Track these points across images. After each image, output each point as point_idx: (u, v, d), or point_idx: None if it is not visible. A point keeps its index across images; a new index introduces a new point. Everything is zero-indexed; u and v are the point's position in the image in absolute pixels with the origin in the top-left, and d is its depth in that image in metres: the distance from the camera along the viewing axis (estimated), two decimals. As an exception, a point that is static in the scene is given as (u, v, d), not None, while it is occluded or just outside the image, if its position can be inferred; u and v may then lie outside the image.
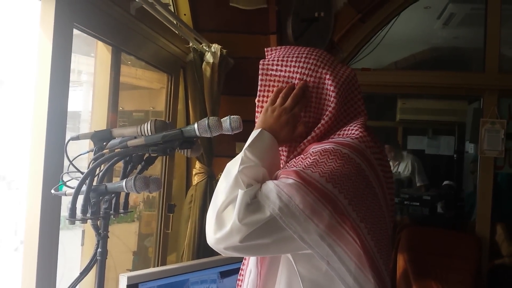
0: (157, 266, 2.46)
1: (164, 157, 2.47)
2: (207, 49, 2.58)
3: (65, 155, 1.26)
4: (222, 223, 0.98)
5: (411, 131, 5.79)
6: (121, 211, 1.24)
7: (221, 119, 1.15)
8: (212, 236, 1.00)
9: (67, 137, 1.50)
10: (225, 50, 2.61)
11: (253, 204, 0.98)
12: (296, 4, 2.86)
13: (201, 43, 2.55)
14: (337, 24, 3.14)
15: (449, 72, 3.48)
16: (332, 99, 1.14)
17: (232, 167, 1.04)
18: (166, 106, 2.56)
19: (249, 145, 1.08)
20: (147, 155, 1.23)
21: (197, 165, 2.63)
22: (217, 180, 2.49)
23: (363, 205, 1.02)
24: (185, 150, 1.25)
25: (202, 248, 2.53)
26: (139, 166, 1.24)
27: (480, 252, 3.15)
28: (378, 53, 3.42)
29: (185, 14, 2.72)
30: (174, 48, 2.46)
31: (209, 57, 2.58)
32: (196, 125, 1.14)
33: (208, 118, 1.14)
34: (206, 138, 1.14)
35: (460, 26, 4.52)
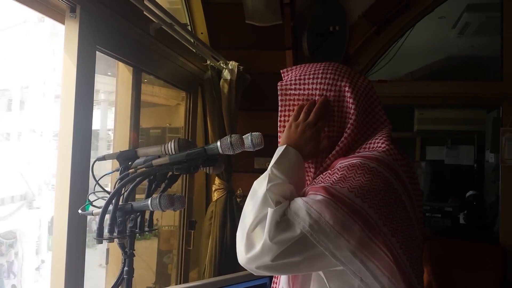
0: (179, 283, 2.47)
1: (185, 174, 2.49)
2: (224, 66, 2.61)
3: (90, 174, 1.28)
4: (252, 242, 0.98)
5: (430, 142, 5.74)
6: (146, 229, 1.25)
7: (243, 136, 1.15)
8: (243, 256, 0.99)
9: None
10: (242, 67, 2.63)
11: (282, 222, 0.97)
12: (311, 19, 2.89)
13: (218, 61, 2.59)
14: (352, 37, 3.14)
15: (466, 82, 3.45)
16: (352, 111, 1.13)
17: (259, 186, 1.04)
18: (186, 123, 2.59)
19: (275, 162, 1.08)
20: (170, 173, 1.24)
21: (217, 181, 2.64)
22: (237, 196, 2.52)
23: (393, 219, 1.00)
24: (208, 168, 1.26)
25: (223, 264, 2.53)
26: (163, 184, 1.25)
27: (505, 262, 3.10)
28: (394, 64, 3.41)
29: (202, 33, 2.77)
30: (192, 67, 2.50)
31: (226, 74, 2.61)
32: (219, 143, 1.15)
33: (231, 136, 1.14)
34: (226, 154, 1.15)
35: (475, 35, 4.49)
